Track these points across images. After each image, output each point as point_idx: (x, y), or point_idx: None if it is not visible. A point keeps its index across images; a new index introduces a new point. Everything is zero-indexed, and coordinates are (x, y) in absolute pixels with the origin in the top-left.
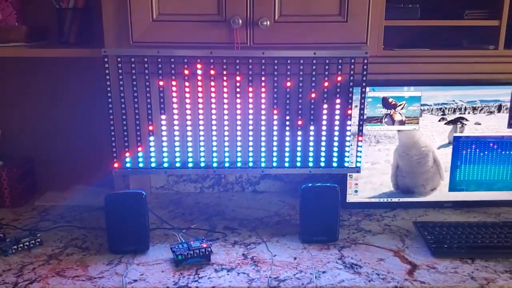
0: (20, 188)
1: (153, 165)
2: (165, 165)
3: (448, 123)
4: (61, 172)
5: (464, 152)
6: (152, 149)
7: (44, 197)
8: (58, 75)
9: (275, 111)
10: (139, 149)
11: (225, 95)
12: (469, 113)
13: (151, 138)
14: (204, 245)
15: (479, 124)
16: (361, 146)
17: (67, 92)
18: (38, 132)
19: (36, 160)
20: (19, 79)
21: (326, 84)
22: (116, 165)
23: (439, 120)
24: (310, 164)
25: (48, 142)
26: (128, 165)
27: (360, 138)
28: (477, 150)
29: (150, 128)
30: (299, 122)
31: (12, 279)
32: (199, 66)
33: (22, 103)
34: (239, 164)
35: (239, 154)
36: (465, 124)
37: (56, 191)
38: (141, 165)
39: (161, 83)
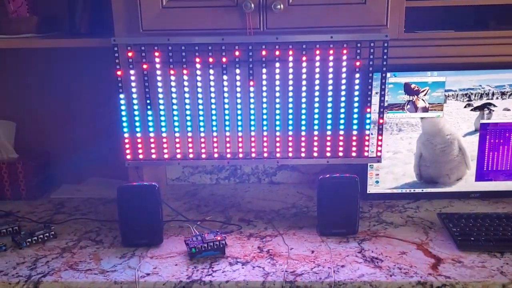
0: (36, 181)
1: (166, 156)
2: (178, 156)
3: (475, 109)
4: (77, 164)
5: (491, 140)
6: (164, 140)
7: (60, 189)
8: (72, 67)
9: (290, 99)
10: (152, 140)
11: (238, 83)
12: (497, 98)
13: (163, 129)
14: (219, 238)
15: (508, 110)
16: (382, 135)
17: (82, 84)
18: (53, 125)
19: (52, 152)
20: (33, 71)
21: (344, 69)
22: (128, 156)
23: (465, 107)
24: (328, 154)
25: (64, 135)
26: (140, 156)
27: (381, 126)
28: (506, 137)
29: (162, 118)
30: (316, 110)
31: (26, 272)
32: (210, 53)
33: (37, 96)
34: (253, 155)
35: (253, 144)
36: (493, 111)
37: (72, 184)
38: (154, 156)
39: (171, 72)
